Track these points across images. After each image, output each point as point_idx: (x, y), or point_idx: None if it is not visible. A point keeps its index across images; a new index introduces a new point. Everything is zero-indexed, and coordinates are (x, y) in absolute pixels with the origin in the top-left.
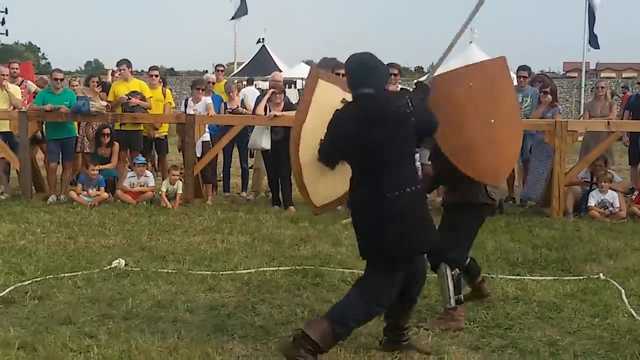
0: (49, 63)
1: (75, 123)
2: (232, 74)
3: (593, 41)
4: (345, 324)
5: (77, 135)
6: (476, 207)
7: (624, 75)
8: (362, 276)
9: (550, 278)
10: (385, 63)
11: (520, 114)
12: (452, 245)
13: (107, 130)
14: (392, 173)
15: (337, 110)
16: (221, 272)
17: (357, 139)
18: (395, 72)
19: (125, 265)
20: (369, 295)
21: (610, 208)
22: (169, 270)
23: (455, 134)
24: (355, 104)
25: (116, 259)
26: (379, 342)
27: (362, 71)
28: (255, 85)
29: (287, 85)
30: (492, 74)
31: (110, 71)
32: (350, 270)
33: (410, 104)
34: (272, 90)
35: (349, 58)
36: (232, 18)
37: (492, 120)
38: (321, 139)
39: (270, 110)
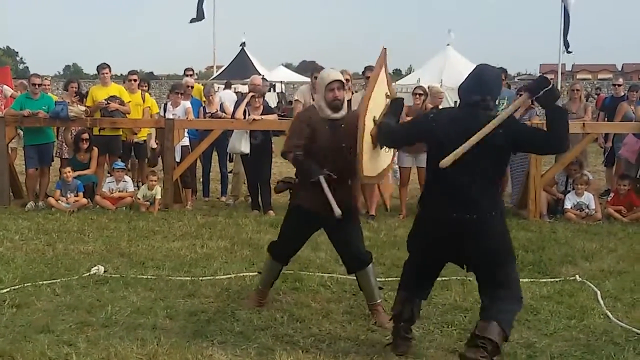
0: (27, 67)
1: (54, 128)
2: (211, 78)
3: (566, 45)
4: (511, 327)
5: (56, 140)
6: None
7: (599, 76)
8: (504, 279)
9: (526, 280)
10: (364, 67)
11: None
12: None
13: (85, 136)
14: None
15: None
16: (201, 278)
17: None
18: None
19: (105, 271)
20: (519, 294)
21: (586, 210)
22: (149, 277)
23: None
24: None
25: (95, 265)
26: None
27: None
28: (235, 89)
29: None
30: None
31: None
32: (330, 275)
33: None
34: (251, 94)
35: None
36: (191, 21)
37: None
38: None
39: (249, 114)
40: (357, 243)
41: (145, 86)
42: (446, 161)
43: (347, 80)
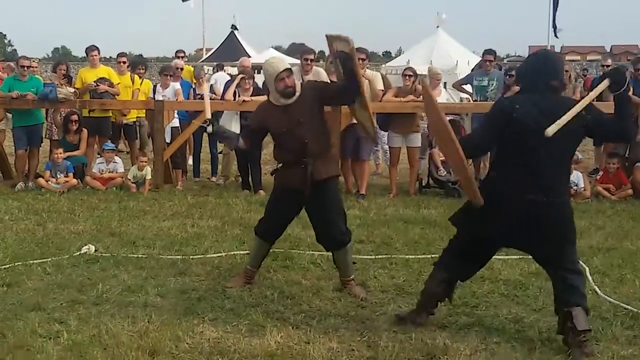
0: (15, 50)
1: (43, 110)
2: (201, 60)
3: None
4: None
5: (46, 121)
6: None
7: (588, 57)
8: (561, 262)
9: (515, 257)
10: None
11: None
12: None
13: (75, 117)
14: None
15: None
16: (191, 257)
17: None
18: (363, 57)
19: (95, 251)
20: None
21: (575, 188)
22: (139, 256)
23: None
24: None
25: (86, 245)
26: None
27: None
28: (225, 70)
29: (256, 71)
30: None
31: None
32: (320, 253)
33: None
34: (241, 75)
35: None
36: (183, 0)
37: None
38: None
39: (239, 96)
40: (336, 222)
41: (143, 69)
42: (551, 130)
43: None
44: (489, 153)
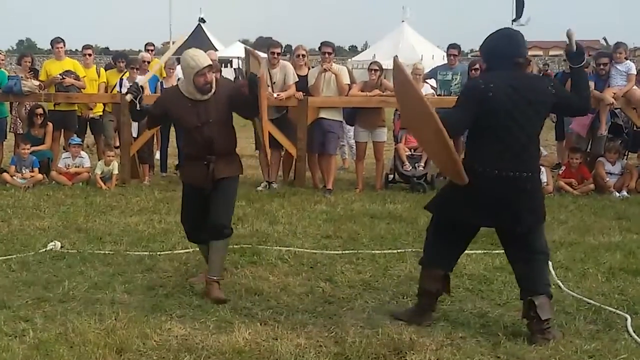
0: None
1: (7, 103)
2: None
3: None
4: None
5: (10, 115)
6: None
7: (550, 52)
8: (534, 243)
9: (480, 252)
10: (320, 42)
11: (423, 106)
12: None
13: (40, 111)
14: None
15: None
16: (159, 253)
17: None
18: (330, 50)
19: (61, 247)
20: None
21: None
22: (106, 252)
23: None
24: None
25: (52, 241)
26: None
27: None
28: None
29: (223, 65)
30: (397, 81)
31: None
32: (287, 248)
33: None
34: None
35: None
36: None
37: (421, 123)
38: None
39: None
40: (221, 213)
41: (123, 62)
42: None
43: (303, 55)
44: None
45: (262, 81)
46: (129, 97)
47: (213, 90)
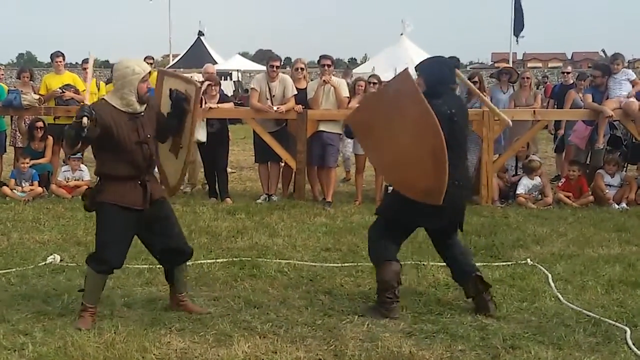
0: None
1: (7, 117)
2: (167, 66)
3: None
4: None
5: (9, 129)
6: None
7: (549, 65)
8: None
9: (479, 264)
10: (319, 55)
11: (429, 124)
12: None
13: (40, 124)
14: None
15: None
16: (158, 266)
17: None
18: (329, 63)
19: (61, 260)
20: None
21: (535, 193)
22: None
23: (378, 153)
24: None
25: (51, 254)
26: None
27: None
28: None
29: (222, 77)
30: (396, 90)
31: None
32: (287, 261)
33: None
34: (207, 82)
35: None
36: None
37: (410, 139)
38: None
39: (205, 103)
40: (179, 236)
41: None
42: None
43: (302, 68)
44: None
45: (195, 97)
46: (85, 120)
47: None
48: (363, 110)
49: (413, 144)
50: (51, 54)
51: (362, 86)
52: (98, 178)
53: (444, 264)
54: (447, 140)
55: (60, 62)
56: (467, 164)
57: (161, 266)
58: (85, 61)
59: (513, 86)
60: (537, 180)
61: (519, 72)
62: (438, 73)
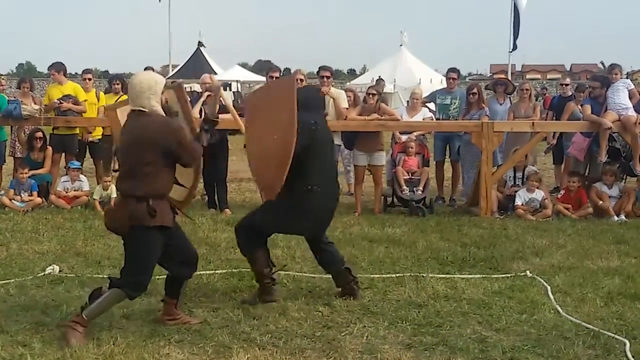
0: None
1: (7, 127)
2: (167, 77)
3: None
4: None
5: (9, 139)
6: None
7: (548, 76)
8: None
9: (479, 276)
10: (319, 67)
11: (291, 130)
12: None
13: (39, 134)
14: None
15: None
16: (157, 277)
17: None
18: (328, 74)
19: (60, 271)
20: None
21: (534, 204)
22: (105, 276)
23: (252, 141)
24: None
25: (50, 265)
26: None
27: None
28: (190, 88)
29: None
30: (277, 92)
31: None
32: (286, 272)
33: None
34: (207, 93)
35: None
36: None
37: (275, 137)
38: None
39: (205, 113)
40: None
41: (118, 84)
42: None
43: (301, 80)
44: None
45: (179, 96)
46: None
47: None
48: (255, 98)
49: (274, 141)
50: (48, 67)
51: (350, 97)
52: (136, 198)
53: (443, 275)
54: (308, 148)
55: (54, 74)
56: (333, 174)
57: (161, 278)
58: (86, 71)
59: (510, 97)
60: (537, 192)
61: (514, 84)
62: (307, 96)
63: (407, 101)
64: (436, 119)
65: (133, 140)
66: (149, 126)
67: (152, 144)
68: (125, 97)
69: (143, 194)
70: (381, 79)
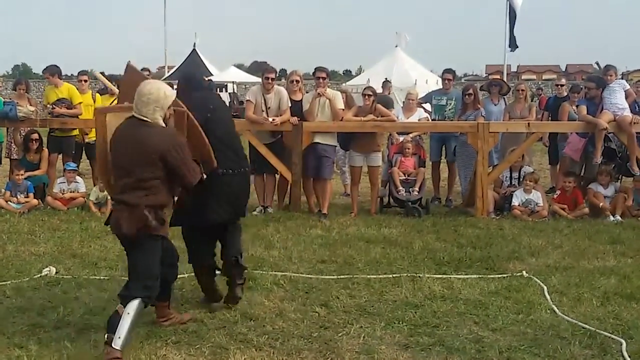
0: None
1: (4, 129)
2: (163, 78)
3: (512, 42)
4: None
5: (4, 141)
6: None
7: (544, 77)
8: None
9: (475, 276)
10: (315, 68)
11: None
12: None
13: (35, 136)
14: None
15: None
16: None
17: None
18: (324, 75)
19: (56, 273)
20: None
21: (530, 206)
22: (101, 277)
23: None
24: None
25: (47, 266)
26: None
27: None
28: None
29: (218, 89)
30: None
31: None
32: (283, 273)
33: None
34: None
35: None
36: None
37: None
38: None
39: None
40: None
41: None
42: None
43: (297, 81)
44: None
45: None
46: None
47: None
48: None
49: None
50: (42, 70)
51: (343, 97)
52: (145, 208)
53: (440, 275)
54: (207, 130)
55: (49, 77)
56: (239, 155)
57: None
58: (82, 73)
59: (504, 98)
60: (534, 192)
61: (509, 85)
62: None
63: (403, 102)
64: (432, 120)
65: (138, 151)
66: (153, 137)
67: (160, 156)
68: None
69: (152, 204)
70: (388, 80)
